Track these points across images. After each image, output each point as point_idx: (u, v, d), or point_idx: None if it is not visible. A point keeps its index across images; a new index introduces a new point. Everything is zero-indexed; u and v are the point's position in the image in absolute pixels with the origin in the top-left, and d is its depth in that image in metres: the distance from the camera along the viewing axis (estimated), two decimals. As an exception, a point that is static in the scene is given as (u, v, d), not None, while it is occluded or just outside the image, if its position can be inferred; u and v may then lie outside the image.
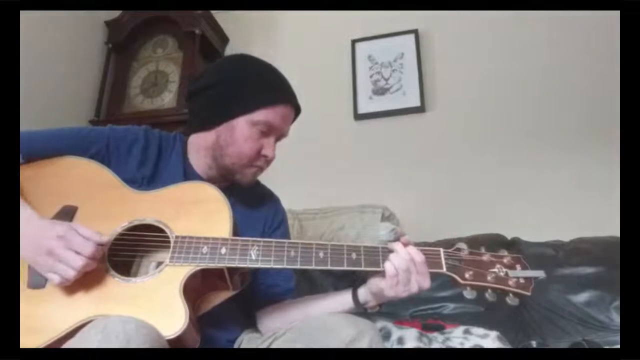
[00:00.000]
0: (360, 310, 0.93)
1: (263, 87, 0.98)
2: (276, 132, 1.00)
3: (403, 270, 0.82)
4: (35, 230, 0.79)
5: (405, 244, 0.86)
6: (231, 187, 1.05)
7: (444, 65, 2.15)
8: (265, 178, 1.19)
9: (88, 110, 2.29)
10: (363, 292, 0.92)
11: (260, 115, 0.97)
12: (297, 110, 1.06)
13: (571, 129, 1.91)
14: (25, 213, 0.82)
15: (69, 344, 0.67)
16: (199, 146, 1.03)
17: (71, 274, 0.76)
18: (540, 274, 0.84)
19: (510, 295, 0.83)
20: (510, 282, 0.83)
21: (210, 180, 1.02)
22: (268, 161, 1.02)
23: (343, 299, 0.94)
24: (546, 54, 2.03)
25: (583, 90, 1.94)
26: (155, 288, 0.80)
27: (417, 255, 0.84)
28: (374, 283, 0.87)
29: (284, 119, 1.00)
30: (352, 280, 1.55)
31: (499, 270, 0.84)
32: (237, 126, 0.97)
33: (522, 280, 0.83)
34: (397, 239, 1.68)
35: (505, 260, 0.85)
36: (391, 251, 0.86)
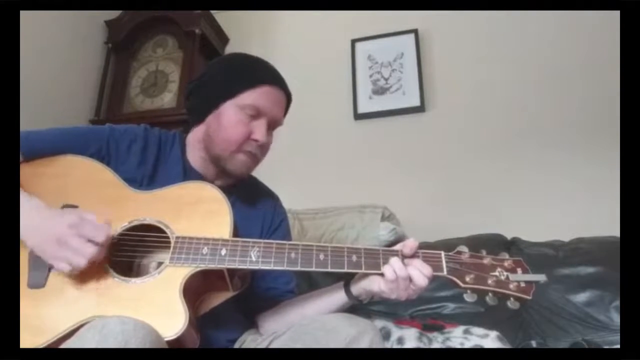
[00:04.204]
0: (355, 303, 0.92)
1: (246, 71, 0.99)
2: (266, 116, 0.98)
3: (402, 278, 0.82)
4: (44, 219, 0.80)
5: (410, 254, 0.84)
6: (231, 185, 1.05)
7: (444, 65, 2.15)
8: (266, 178, 1.19)
9: (88, 110, 2.29)
10: (356, 288, 0.91)
11: (246, 98, 0.96)
12: (288, 96, 1.04)
13: (571, 129, 1.91)
14: (32, 203, 0.82)
15: (66, 345, 0.67)
16: (194, 141, 1.04)
17: (82, 261, 0.76)
18: (541, 277, 0.83)
19: (511, 299, 0.82)
20: (511, 286, 0.82)
21: (207, 175, 1.03)
22: (261, 146, 0.99)
23: (337, 296, 0.93)
24: (546, 53, 2.02)
25: (583, 90, 1.94)
26: (155, 289, 0.80)
27: (420, 279, 0.81)
28: (374, 282, 0.86)
29: (272, 101, 0.99)
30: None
31: (499, 273, 0.84)
32: (224, 112, 0.97)
33: (523, 284, 0.83)
34: (397, 239, 1.70)
35: (506, 264, 0.85)
36: (391, 252, 0.85)
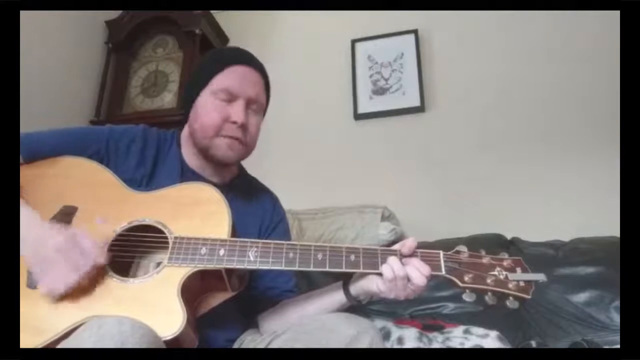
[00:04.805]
0: (354, 303, 0.92)
1: (214, 58, 1.02)
2: (241, 96, 0.97)
3: (401, 277, 0.81)
4: (35, 236, 0.79)
5: (408, 254, 0.84)
6: (230, 183, 1.06)
7: (444, 65, 2.15)
8: (266, 178, 1.19)
9: (88, 110, 2.29)
10: (354, 288, 0.91)
11: (217, 83, 0.98)
12: (263, 74, 1.04)
13: (571, 129, 1.91)
14: (26, 215, 0.81)
15: (63, 345, 0.67)
16: (184, 138, 1.06)
17: (61, 288, 0.75)
18: (540, 277, 0.83)
19: (511, 298, 0.82)
20: (510, 285, 0.82)
21: (204, 172, 1.04)
22: (242, 127, 0.97)
23: (336, 296, 0.93)
24: (546, 53, 2.02)
25: (583, 90, 1.93)
26: (153, 289, 0.80)
27: (418, 278, 0.81)
28: (372, 281, 0.86)
29: (244, 79, 0.98)
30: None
31: (499, 273, 0.84)
32: (200, 102, 0.99)
33: (522, 284, 0.82)
34: (397, 239, 1.70)
35: (505, 263, 0.85)
36: (390, 252, 0.85)
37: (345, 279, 0.93)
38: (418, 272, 0.81)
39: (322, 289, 0.97)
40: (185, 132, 1.06)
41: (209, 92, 0.98)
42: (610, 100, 1.83)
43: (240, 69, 0.99)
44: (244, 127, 0.98)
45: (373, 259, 0.84)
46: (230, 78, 0.98)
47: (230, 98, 0.97)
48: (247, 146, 1.01)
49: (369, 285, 0.87)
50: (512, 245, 1.65)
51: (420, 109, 2.09)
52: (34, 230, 0.80)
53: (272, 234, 1.07)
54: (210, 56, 1.06)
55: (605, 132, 1.83)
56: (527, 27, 2.07)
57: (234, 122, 0.96)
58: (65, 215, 0.86)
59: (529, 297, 0.82)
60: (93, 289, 0.79)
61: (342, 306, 0.93)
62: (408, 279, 0.82)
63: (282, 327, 0.87)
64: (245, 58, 1.01)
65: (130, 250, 0.87)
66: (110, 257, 0.82)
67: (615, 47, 1.78)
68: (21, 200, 0.85)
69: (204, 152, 1.00)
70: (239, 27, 2.49)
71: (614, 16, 1.83)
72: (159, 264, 0.85)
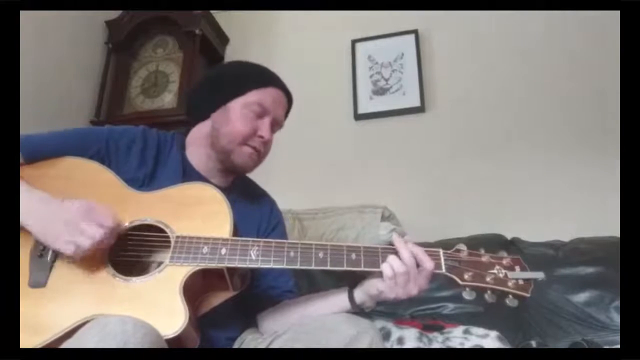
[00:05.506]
0: (357, 310, 0.92)
1: (253, 73, 1.06)
2: (270, 114, 1.03)
3: (401, 274, 0.82)
4: (50, 207, 0.81)
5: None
6: (231, 185, 1.07)
7: (444, 65, 2.15)
8: (267, 177, 1.20)
9: (88, 111, 2.29)
10: (359, 294, 0.91)
11: (253, 96, 1.02)
12: (288, 97, 1.10)
13: (571, 129, 1.91)
14: (35, 193, 0.83)
15: (67, 344, 0.67)
16: (197, 138, 1.07)
17: (88, 242, 0.77)
18: (539, 275, 0.84)
19: (510, 296, 0.83)
20: (510, 284, 0.83)
21: (207, 173, 1.05)
22: (264, 142, 1.03)
23: (339, 301, 0.93)
24: (546, 53, 2.03)
25: (584, 91, 1.94)
26: (155, 288, 0.80)
27: (427, 261, 0.83)
28: (373, 285, 0.87)
29: (275, 101, 1.05)
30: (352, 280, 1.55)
31: (498, 271, 0.84)
32: (231, 108, 1.02)
33: (521, 282, 0.83)
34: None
35: (504, 262, 0.85)
36: (391, 250, 0.85)
37: (351, 286, 0.93)
38: (427, 256, 0.83)
39: (326, 292, 0.97)
40: (199, 133, 1.06)
41: (243, 102, 1.02)
42: (611, 100, 1.84)
43: (276, 92, 1.05)
44: (266, 142, 1.04)
45: (374, 257, 0.84)
46: (268, 96, 1.03)
47: (261, 114, 1.02)
48: (260, 160, 1.07)
49: (370, 287, 0.88)
50: (512, 246, 1.65)
51: (420, 109, 2.09)
52: (43, 204, 0.81)
53: (269, 236, 1.08)
54: (252, 69, 1.08)
55: (605, 132, 1.83)
56: (527, 27, 2.08)
57: (261, 137, 1.02)
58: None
59: (528, 295, 0.83)
60: (95, 288, 0.80)
61: (342, 311, 0.92)
62: (417, 265, 0.83)
63: (283, 327, 0.88)
64: (281, 83, 1.08)
65: (132, 250, 0.87)
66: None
67: (615, 47, 1.78)
68: (24, 183, 0.85)
69: (224, 156, 1.02)
70: (239, 27, 2.49)
71: (614, 16, 1.83)
72: (160, 263, 0.85)
